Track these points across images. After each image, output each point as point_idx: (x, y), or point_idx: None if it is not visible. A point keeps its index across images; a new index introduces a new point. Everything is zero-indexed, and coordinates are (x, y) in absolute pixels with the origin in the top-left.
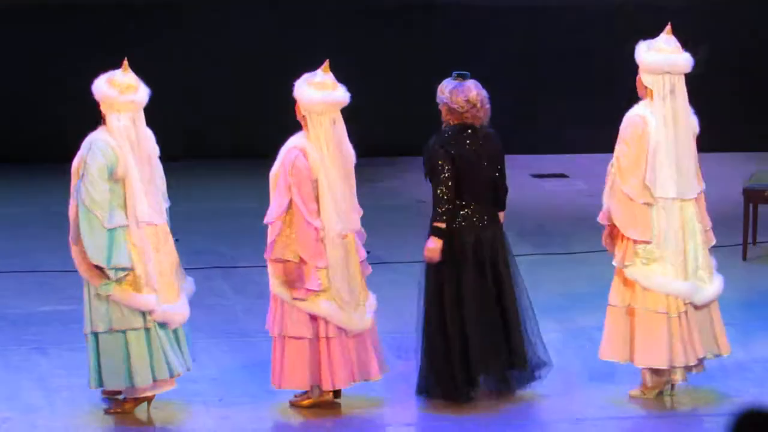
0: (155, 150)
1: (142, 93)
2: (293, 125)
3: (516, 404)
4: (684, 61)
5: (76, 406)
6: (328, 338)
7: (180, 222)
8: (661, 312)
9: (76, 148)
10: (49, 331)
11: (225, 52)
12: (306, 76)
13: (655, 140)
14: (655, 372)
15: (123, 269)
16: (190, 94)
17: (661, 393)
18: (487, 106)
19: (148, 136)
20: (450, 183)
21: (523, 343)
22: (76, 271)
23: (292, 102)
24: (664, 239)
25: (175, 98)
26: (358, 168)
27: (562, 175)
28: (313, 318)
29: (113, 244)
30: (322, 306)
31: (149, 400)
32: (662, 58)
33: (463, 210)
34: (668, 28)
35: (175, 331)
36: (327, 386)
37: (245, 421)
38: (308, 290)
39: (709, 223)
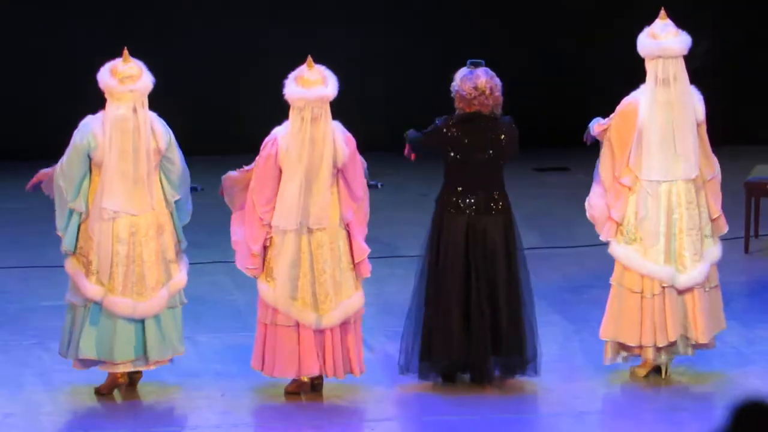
0: (158, 143)
1: (141, 83)
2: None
3: (518, 396)
4: (677, 45)
5: (79, 402)
6: (275, 325)
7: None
8: (636, 292)
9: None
10: (51, 326)
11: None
12: (295, 71)
13: (642, 123)
14: (624, 347)
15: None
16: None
17: (648, 374)
18: (497, 93)
19: (153, 129)
20: (425, 149)
21: (515, 333)
22: None
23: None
24: (643, 220)
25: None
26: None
27: (564, 168)
28: (264, 303)
29: (69, 223)
30: (260, 287)
31: (119, 383)
32: (654, 43)
33: (457, 198)
34: (662, 13)
35: (156, 319)
36: (266, 373)
37: (247, 416)
38: (245, 267)
39: (716, 211)
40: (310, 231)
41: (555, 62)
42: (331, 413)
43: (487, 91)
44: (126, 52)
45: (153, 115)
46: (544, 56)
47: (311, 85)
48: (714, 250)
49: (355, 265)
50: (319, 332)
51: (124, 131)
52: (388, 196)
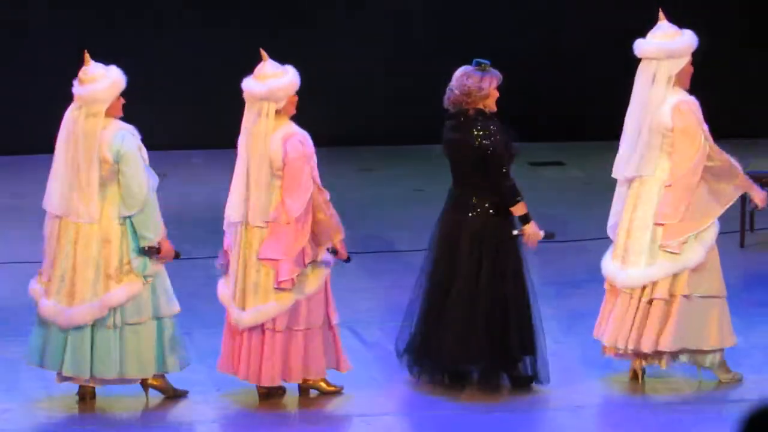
0: (104, 153)
1: (87, 89)
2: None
3: (513, 392)
4: (643, 45)
5: (75, 399)
6: (229, 324)
7: (177, 212)
8: (605, 288)
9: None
10: None
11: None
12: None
13: (625, 123)
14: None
15: None
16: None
17: (635, 376)
18: (457, 91)
19: (101, 139)
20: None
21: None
22: None
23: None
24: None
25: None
26: (357, 155)
27: (559, 163)
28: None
29: None
30: (218, 287)
31: (86, 392)
32: (637, 42)
33: (452, 195)
34: (660, 14)
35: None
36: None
37: (243, 412)
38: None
39: (663, 217)
40: (248, 227)
41: (552, 56)
42: (327, 409)
43: (455, 90)
44: (86, 55)
45: (114, 125)
46: (542, 50)
47: (259, 79)
48: (667, 262)
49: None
50: (239, 333)
51: (67, 133)
52: (384, 191)
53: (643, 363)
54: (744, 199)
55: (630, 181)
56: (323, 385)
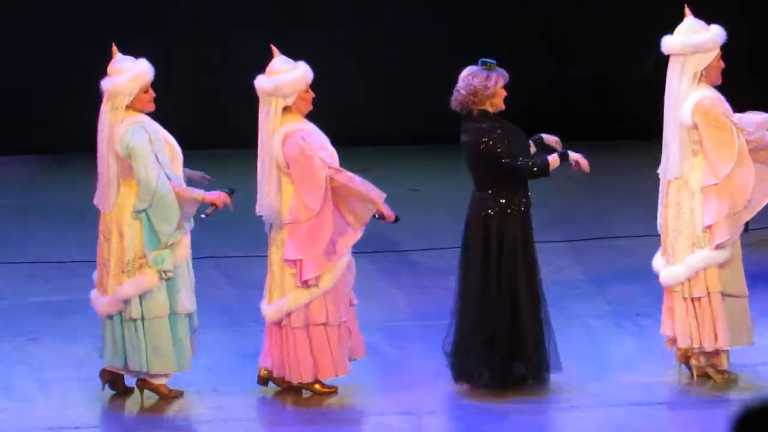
0: (116, 147)
1: (109, 80)
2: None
3: (509, 391)
4: (669, 41)
5: (71, 397)
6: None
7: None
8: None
9: (68, 139)
10: (44, 322)
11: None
12: None
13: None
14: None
15: None
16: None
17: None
18: (463, 91)
19: (113, 133)
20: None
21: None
22: (69, 262)
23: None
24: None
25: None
26: (352, 156)
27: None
28: None
29: None
30: None
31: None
32: (663, 40)
33: (472, 195)
34: (686, 10)
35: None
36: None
37: (239, 411)
38: None
39: (706, 222)
40: (272, 225)
41: (552, 55)
42: (324, 408)
43: (461, 89)
44: (114, 48)
45: (130, 119)
46: (543, 48)
47: (268, 75)
48: (695, 258)
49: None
50: (268, 328)
51: (99, 128)
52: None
53: (700, 360)
54: None
55: (669, 180)
56: (317, 387)
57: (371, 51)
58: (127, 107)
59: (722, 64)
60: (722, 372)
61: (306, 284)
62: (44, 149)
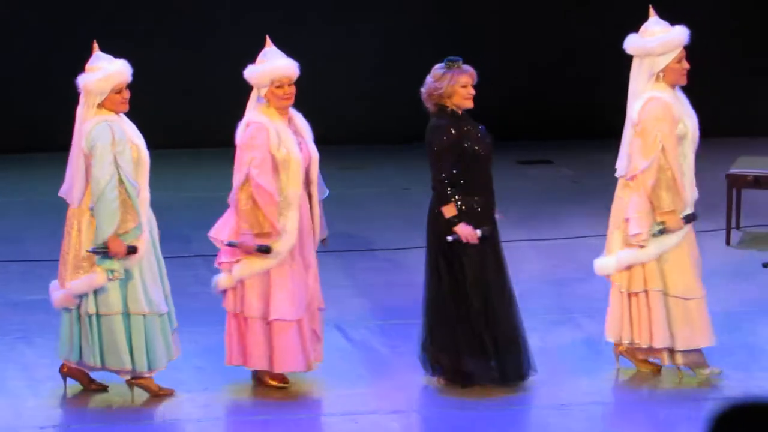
0: (79, 140)
1: (82, 78)
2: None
3: (501, 390)
4: (629, 41)
5: (61, 396)
6: None
7: (162, 210)
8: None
9: (62, 137)
10: (34, 320)
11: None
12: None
13: None
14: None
15: None
16: (174, 80)
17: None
18: (423, 89)
19: (83, 127)
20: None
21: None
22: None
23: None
24: None
25: (158, 84)
26: (341, 154)
27: (548, 161)
28: None
29: None
30: None
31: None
32: (626, 39)
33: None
34: (650, 11)
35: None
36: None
37: (230, 410)
38: None
39: (626, 213)
40: None
41: (539, 54)
42: (312, 407)
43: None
44: (94, 44)
45: (98, 117)
46: (528, 48)
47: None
48: (625, 253)
49: None
50: None
51: (76, 123)
52: (371, 189)
53: (677, 359)
54: (730, 196)
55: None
56: (267, 379)
57: (361, 47)
58: (100, 106)
59: (684, 66)
60: (704, 370)
61: (220, 267)
62: (45, 147)
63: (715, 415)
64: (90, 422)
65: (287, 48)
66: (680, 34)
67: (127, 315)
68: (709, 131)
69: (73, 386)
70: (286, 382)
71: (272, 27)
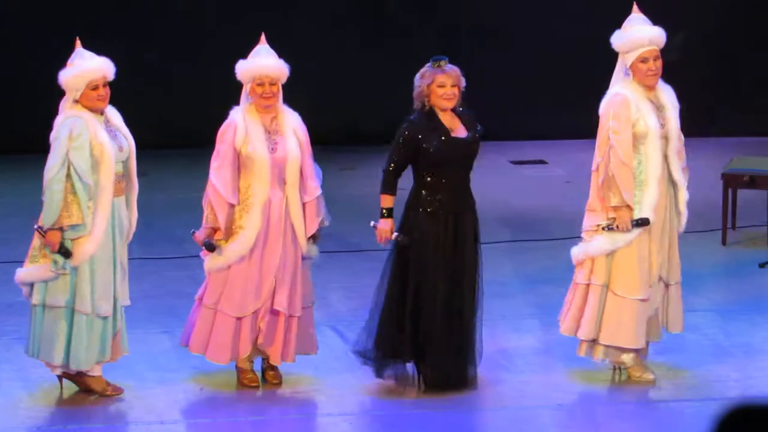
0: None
1: (61, 72)
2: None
3: (496, 389)
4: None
5: (57, 397)
6: None
7: (161, 211)
8: None
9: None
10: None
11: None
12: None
13: None
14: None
15: None
16: (169, 81)
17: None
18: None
19: (55, 121)
20: None
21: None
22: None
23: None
24: None
25: (154, 85)
26: (340, 154)
27: (542, 162)
28: None
29: None
30: None
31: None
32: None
33: None
34: (634, 6)
35: None
36: None
37: (227, 410)
38: None
39: (587, 204)
40: None
41: (531, 54)
42: (307, 407)
43: None
44: (77, 41)
45: (68, 111)
46: (522, 47)
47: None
48: (574, 248)
49: None
50: None
51: None
52: (367, 190)
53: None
54: (726, 196)
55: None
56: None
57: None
58: (77, 102)
59: (649, 66)
60: (636, 373)
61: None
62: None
63: (718, 418)
64: (86, 422)
65: (290, 46)
66: (642, 33)
67: (71, 311)
68: (705, 131)
69: (69, 387)
70: (255, 383)
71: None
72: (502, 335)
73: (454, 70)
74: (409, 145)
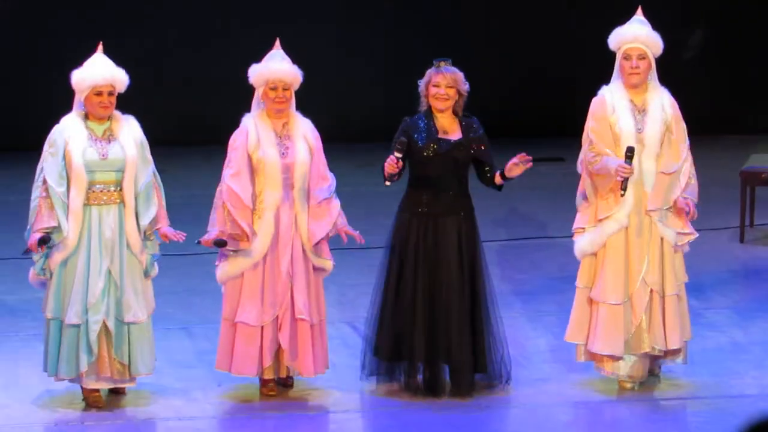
0: None
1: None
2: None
3: (513, 388)
4: None
5: (75, 394)
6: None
7: (177, 209)
8: None
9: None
10: None
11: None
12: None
13: None
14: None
15: None
16: (186, 78)
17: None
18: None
19: None
20: None
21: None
22: None
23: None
24: None
25: (172, 82)
26: (358, 151)
27: (559, 159)
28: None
29: None
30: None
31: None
32: None
33: None
34: (638, 9)
35: None
36: None
37: (244, 407)
38: None
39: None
40: None
41: (552, 51)
42: (324, 404)
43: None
44: (99, 46)
45: (64, 118)
46: (542, 45)
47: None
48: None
49: None
50: None
51: None
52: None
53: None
54: (744, 194)
55: None
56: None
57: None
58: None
59: (630, 64)
60: (620, 379)
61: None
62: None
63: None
64: (104, 420)
65: (298, 46)
66: (627, 30)
67: (48, 319)
68: (722, 128)
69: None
70: (273, 392)
71: (293, 25)
72: (519, 333)
73: (451, 72)
74: (400, 145)
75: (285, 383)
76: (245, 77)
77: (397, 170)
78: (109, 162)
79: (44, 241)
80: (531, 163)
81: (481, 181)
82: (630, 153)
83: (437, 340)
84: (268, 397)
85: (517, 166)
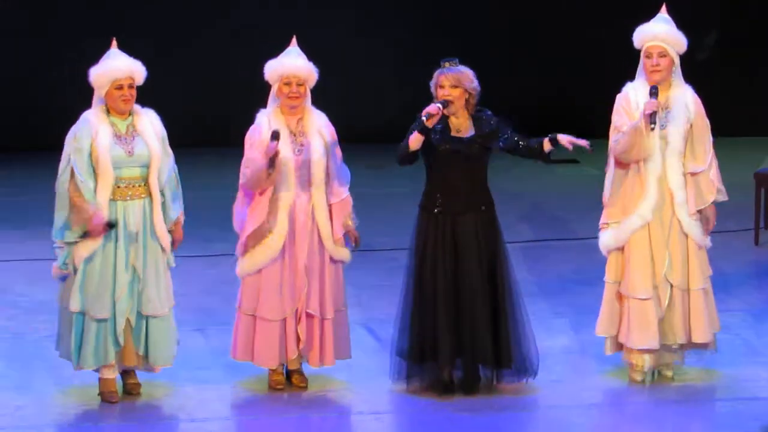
0: None
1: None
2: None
3: (528, 389)
4: None
5: (89, 395)
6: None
7: (190, 210)
8: None
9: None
10: None
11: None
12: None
13: None
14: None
15: None
16: (202, 80)
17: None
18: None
19: None
20: None
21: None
22: None
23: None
24: None
25: (189, 84)
26: (368, 153)
27: (574, 161)
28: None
29: None
30: None
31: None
32: None
33: None
34: (663, 7)
35: None
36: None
37: (258, 408)
38: None
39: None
40: None
41: (570, 52)
42: (340, 405)
43: None
44: (113, 41)
45: (88, 111)
46: (560, 45)
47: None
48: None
49: None
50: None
51: None
52: (400, 189)
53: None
54: (758, 196)
55: None
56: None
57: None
58: (104, 100)
59: (651, 62)
60: (634, 368)
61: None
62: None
63: None
64: (118, 421)
65: (308, 47)
66: (649, 28)
67: (83, 314)
68: (737, 130)
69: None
70: (280, 386)
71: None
72: (535, 334)
73: (455, 72)
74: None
75: (299, 383)
76: (260, 78)
77: (437, 119)
78: (135, 158)
79: (111, 225)
80: (591, 149)
81: (523, 157)
82: (654, 90)
83: (462, 338)
84: (274, 389)
85: (572, 144)
